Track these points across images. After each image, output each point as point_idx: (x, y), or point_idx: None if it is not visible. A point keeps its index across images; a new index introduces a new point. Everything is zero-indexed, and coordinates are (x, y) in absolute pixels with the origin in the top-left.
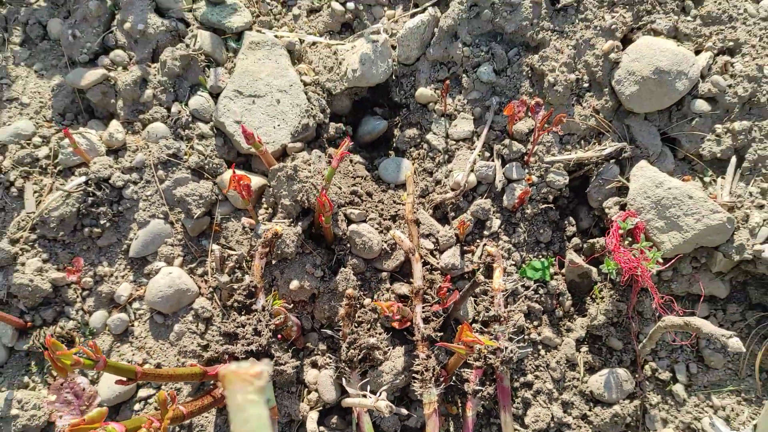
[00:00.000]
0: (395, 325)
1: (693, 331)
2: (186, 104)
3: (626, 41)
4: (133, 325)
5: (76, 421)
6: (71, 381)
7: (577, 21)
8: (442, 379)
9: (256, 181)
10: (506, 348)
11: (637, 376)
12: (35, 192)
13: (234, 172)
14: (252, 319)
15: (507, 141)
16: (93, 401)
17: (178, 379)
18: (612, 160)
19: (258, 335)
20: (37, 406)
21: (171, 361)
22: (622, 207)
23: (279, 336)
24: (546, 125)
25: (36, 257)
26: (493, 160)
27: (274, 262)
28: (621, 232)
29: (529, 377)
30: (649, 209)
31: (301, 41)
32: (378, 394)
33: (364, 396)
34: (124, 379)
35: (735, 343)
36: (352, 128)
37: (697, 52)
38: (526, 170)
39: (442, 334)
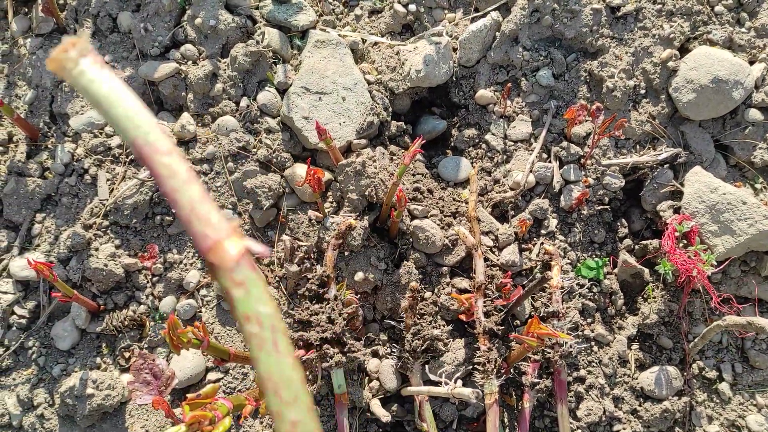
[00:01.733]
0: (462, 317)
1: (756, 330)
2: (254, 99)
3: (682, 50)
4: (200, 311)
5: (192, 395)
6: (151, 362)
7: (635, 29)
8: (503, 371)
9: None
10: (565, 342)
11: (685, 374)
12: (107, 180)
13: (310, 165)
14: (325, 308)
15: (564, 143)
16: (171, 382)
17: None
18: (666, 165)
19: (332, 323)
20: (111, 386)
21: (237, 347)
22: (676, 210)
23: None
24: (606, 130)
25: (109, 243)
26: (550, 162)
27: (346, 253)
28: (676, 234)
29: (582, 372)
30: (703, 213)
31: (364, 41)
32: (454, 380)
33: (439, 384)
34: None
35: None
36: (411, 127)
37: (751, 63)
38: (583, 172)
39: (502, 327)
